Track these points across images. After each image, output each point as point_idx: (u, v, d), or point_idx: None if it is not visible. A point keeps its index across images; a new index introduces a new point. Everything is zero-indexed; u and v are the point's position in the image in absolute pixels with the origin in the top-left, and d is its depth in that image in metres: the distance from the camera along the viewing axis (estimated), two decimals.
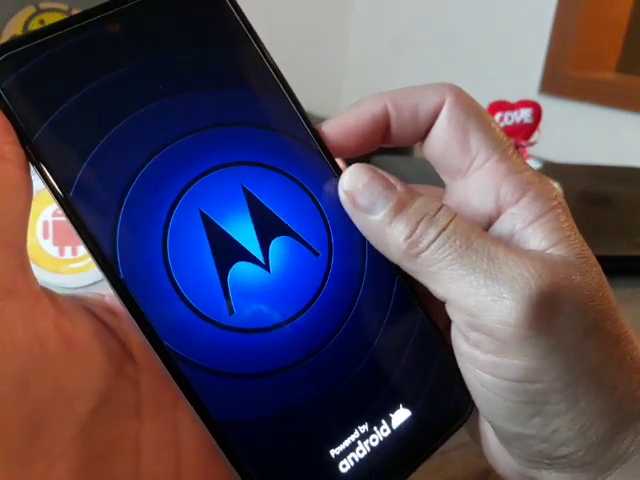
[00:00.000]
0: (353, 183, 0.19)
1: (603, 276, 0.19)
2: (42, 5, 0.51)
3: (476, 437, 0.22)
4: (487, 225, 0.20)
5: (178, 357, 0.17)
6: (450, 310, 0.19)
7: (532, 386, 0.18)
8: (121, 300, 0.17)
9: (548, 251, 0.19)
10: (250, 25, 0.19)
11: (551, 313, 0.17)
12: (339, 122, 0.20)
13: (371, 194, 0.19)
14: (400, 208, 0.19)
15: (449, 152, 0.20)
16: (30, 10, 0.50)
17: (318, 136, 0.20)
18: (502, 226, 0.20)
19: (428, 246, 0.18)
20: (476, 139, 0.20)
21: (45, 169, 0.16)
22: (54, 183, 0.17)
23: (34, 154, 0.16)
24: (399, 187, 0.19)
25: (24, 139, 0.16)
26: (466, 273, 0.18)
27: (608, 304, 0.18)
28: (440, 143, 0.20)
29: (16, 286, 0.15)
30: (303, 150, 0.20)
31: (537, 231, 0.19)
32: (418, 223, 0.18)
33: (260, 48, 0.20)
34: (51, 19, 0.52)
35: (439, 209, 0.18)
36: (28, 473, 0.15)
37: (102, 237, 0.17)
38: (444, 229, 0.18)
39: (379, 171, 0.19)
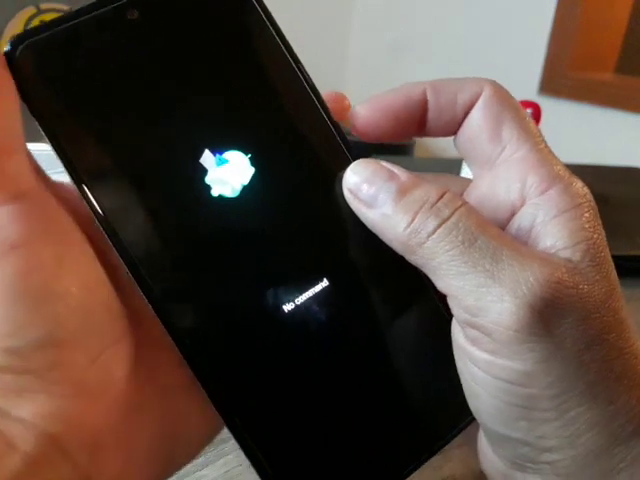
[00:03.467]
0: (356, 179, 0.19)
1: (615, 284, 0.18)
2: (42, 5, 0.51)
3: (467, 434, 0.22)
4: (510, 214, 0.20)
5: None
6: (451, 303, 0.18)
7: (523, 390, 0.17)
8: (138, 286, 0.17)
9: (562, 252, 0.18)
10: (271, 15, 0.19)
11: (552, 321, 0.17)
12: (374, 101, 0.20)
13: (373, 188, 0.19)
14: (400, 197, 0.18)
15: (480, 140, 0.20)
16: (31, 10, 0.50)
17: (340, 131, 0.20)
18: (523, 217, 0.19)
19: (428, 237, 0.18)
20: (509, 129, 0.20)
21: (64, 155, 0.17)
22: (75, 164, 0.17)
23: (56, 142, 0.17)
24: (403, 177, 0.19)
25: (46, 125, 0.17)
26: (467, 271, 0.17)
27: (614, 315, 0.18)
28: (472, 131, 0.21)
29: (30, 189, 0.16)
30: (325, 143, 0.20)
31: (557, 228, 0.18)
32: (417, 212, 0.18)
33: (282, 40, 0.20)
34: None
35: (441, 196, 0.18)
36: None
37: (119, 220, 0.17)
38: (445, 221, 0.18)
39: (383, 163, 0.19)
